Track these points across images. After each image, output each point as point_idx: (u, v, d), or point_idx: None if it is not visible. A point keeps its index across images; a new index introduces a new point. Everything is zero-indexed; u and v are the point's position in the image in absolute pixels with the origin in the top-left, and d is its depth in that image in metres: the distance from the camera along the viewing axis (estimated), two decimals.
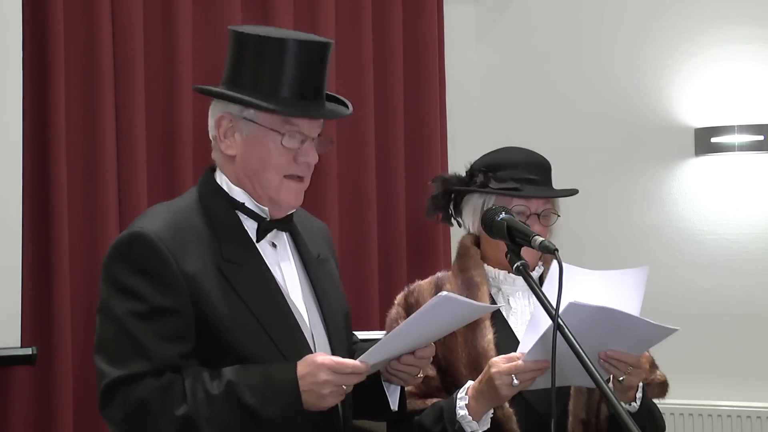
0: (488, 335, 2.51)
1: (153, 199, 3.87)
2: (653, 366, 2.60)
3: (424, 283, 2.67)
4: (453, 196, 2.66)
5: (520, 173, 2.58)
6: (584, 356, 1.97)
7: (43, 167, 3.74)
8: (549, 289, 2.17)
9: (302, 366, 2.05)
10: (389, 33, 4.68)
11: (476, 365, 2.47)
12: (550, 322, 2.07)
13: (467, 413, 2.39)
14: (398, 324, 2.56)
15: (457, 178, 2.66)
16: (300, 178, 2.22)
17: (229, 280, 2.12)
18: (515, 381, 2.29)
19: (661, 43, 4.84)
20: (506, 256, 2.24)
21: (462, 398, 2.41)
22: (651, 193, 4.85)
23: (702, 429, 4.64)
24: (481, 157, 2.68)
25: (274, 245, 2.26)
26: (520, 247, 2.23)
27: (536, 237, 2.15)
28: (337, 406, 2.18)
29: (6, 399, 3.69)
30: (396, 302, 2.67)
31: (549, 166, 2.65)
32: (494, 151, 2.68)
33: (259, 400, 2.03)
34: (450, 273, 2.66)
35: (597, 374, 1.94)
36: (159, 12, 4.06)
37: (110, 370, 2.05)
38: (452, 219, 2.69)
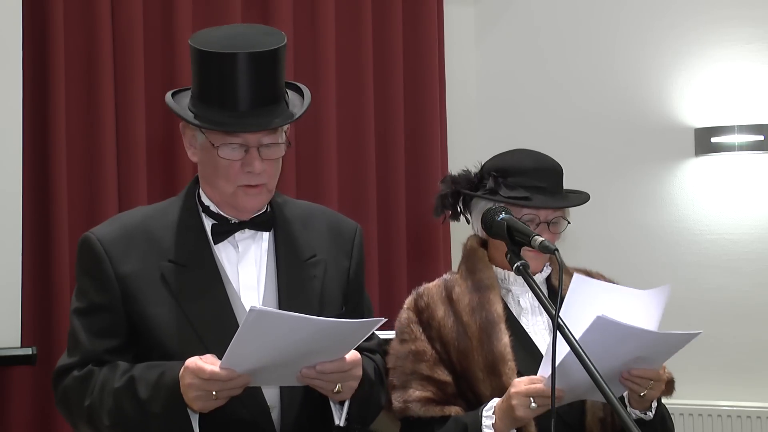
0: (504, 339, 2.48)
1: (153, 200, 3.86)
2: None
3: (432, 286, 2.63)
4: (462, 196, 2.64)
5: (529, 180, 2.55)
6: (588, 362, 1.96)
7: (43, 167, 3.75)
8: (570, 305, 2.19)
9: (185, 364, 2.07)
10: (389, 33, 4.68)
11: (494, 369, 2.46)
12: (568, 347, 2.03)
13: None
14: (410, 329, 2.55)
15: (467, 180, 2.64)
16: (255, 186, 2.23)
17: (167, 281, 2.21)
18: (533, 404, 2.28)
19: (661, 43, 4.84)
20: (506, 256, 2.24)
21: (489, 417, 2.39)
22: (651, 193, 4.84)
23: (702, 429, 4.64)
24: (491, 159, 2.66)
25: (237, 247, 2.28)
26: (520, 247, 2.23)
27: (536, 237, 2.15)
28: (269, 413, 2.19)
29: (6, 399, 3.69)
30: (405, 306, 2.62)
31: (560, 170, 2.62)
32: (505, 153, 2.65)
33: (150, 395, 2.10)
34: (458, 275, 2.63)
35: (603, 382, 1.92)
36: (159, 12, 4.06)
37: (59, 361, 2.26)
38: (461, 216, 2.67)
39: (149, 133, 3.98)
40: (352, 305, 2.40)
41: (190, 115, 2.22)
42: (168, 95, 2.31)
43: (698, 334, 2.29)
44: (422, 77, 4.74)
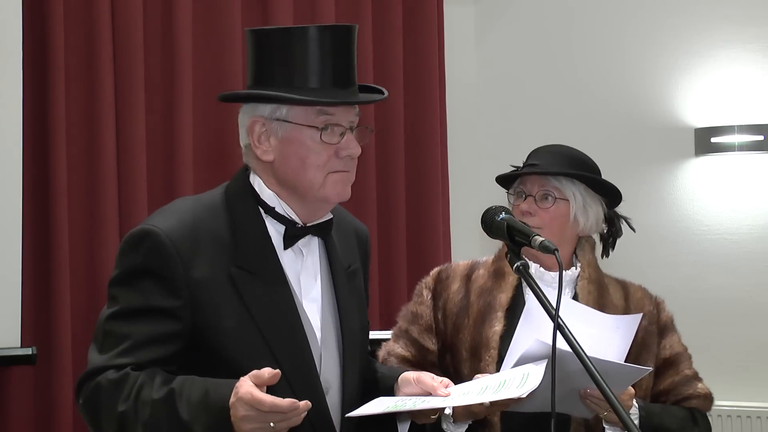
0: (496, 326, 2.52)
1: (153, 200, 3.87)
2: (696, 378, 2.67)
3: (461, 263, 2.71)
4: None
5: (527, 161, 2.65)
6: (585, 358, 1.95)
7: (43, 167, 3.74)
8: (531, 312, 2.24)
9: (235, 391, 1.89)
10: (389, 33, 4.68)
11: (476, 353, 2.50)
12: (529, 344, 2.07)
13: (451, 412, 2.40)
14: (422, 292, 2.65)
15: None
16: (345, 171, 2.10)
17: (239, 290, 2.05)
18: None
19: (662, 43, 4.84)
20: (506, 256, 2.23)
21: None
22: (651, 193, 4.84)
23: None
24: None
25: (301, 253, 2.15)
26: (521, 246, 2.22)
27: (536, 237, 2.13)
28: (333, 425, 2.12)
29: (6, 399, 3.68)
30: (431, 272, 2.71)
31: (564, 154, 2.66)
32: None
33: (192, 415, 1.91)
34: (489, 259, 2.69)
35: (598, 375, 1.92)
36: (159, 12, 4.06)
37: (93, 359, 2.03)
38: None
39: (149, 133, 3.98)
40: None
41: (295, 95, 2.05)
42: (238, 92, 2.22)
43: (648, 371, 2.34)
44: (422, 77, 4.74)
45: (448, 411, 2.39)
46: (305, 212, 2.13)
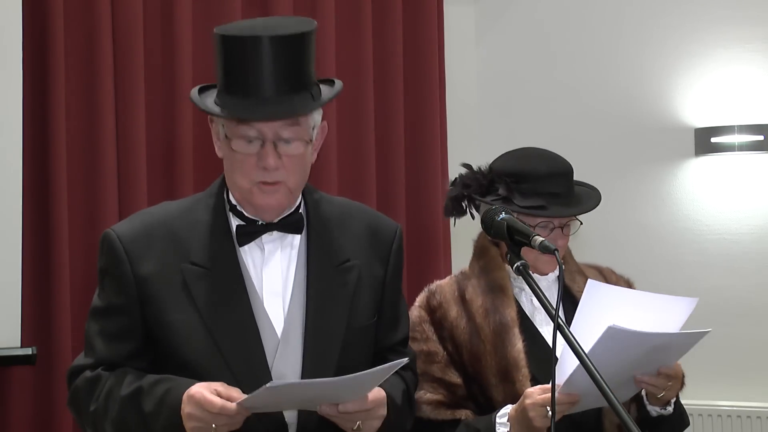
0: (518, 344, 2.47)
1: (153, 200, 3.87)
2: None
3: (445, 284, 2.61)
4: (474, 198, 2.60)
5: (543, 187, 2.53)
6: (589, 363, 1.95)
7: (43, 167, 3.74)
8: (585, 312, 2.24)
9: (188, 390, 1.99)
10: (389, 33, 4.68)
11: (507, 375, 2.45)
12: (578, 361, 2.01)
13: None
14: (422, 328, 2.52)
15: (478, 184, 2.60)
16: (271, 183, 2.09)
17: (188, 285, 2.10)
18: (550, 413, 2.27)
19: (662, 43, 4.84)
20: (506, 256, 2.23)
21: (503, 424, 2.37)
22: (651, 193, 4.84)
23: (702, 429, 4.64)
24: (501, 160, 2.62)
25: (264, 249, 2.15)
26: (520, 247, 2.22)
27: (536, 237, 2.13)
28: (287, 429, 2.09)
29: (6, 399, 3.69)
30: (417, 304, 2.60)
31: (571, 172, 2.61)
32: (515, 153, 2.62)
33: (154, 410, 2.02)
34: (470, 273, 2.60)
35: (604, 384, 1.91)
36: (159, 12, 4.06)
37: (75, 359, 2.20)
38: (469, 213, 2.63)
39: (149, 133, 3.98)
40: (387, 314, 2.29)
41: (206, 104, 2.11)
42: (194, 90, 2.23)
43: (708, 332, 2.35)
44: (422, 77, 4.74)
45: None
46: (254, 211, 2.15)
